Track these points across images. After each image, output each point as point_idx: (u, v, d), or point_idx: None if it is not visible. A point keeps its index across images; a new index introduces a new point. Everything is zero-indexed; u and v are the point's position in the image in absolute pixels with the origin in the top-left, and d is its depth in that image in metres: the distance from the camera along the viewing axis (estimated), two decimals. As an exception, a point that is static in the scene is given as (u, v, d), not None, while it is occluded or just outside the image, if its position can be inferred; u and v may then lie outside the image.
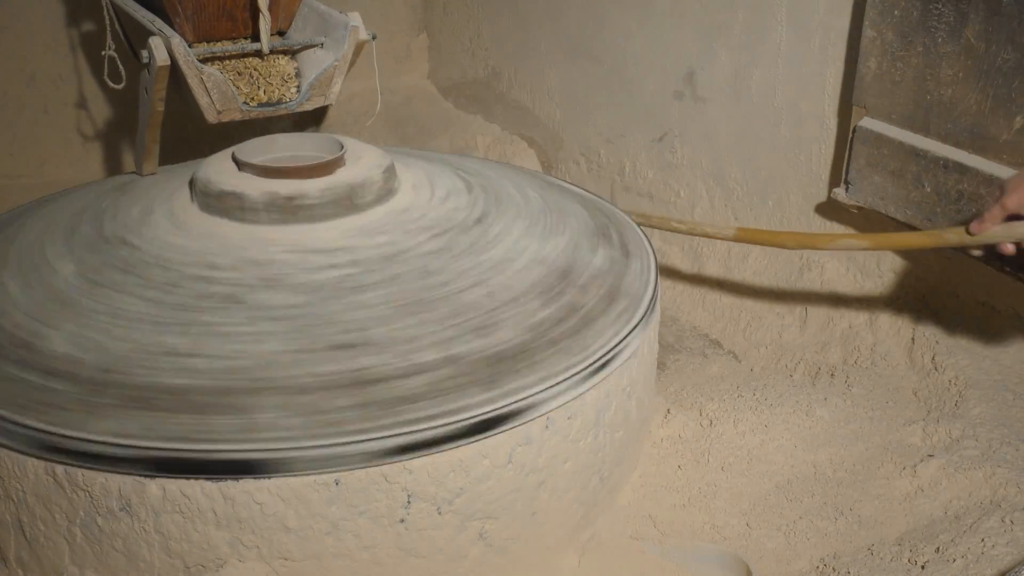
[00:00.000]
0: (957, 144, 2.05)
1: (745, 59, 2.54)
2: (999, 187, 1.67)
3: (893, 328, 2.29)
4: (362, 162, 1.98)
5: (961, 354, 2.12)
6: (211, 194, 1.89)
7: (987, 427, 1.87)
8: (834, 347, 2.35)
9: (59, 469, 1.44)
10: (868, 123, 2.21)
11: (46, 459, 1.45)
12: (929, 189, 2.09)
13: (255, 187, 1.87)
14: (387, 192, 1.98)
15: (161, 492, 1.42)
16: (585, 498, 1.70)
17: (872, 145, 2.19)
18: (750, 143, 2.60)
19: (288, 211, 1.86)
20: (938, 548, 1.57)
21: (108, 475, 1.43)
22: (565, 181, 2.54)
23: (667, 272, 2.79)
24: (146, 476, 1.42)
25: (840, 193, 2.31)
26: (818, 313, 2.44)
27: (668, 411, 1.99)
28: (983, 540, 1.57)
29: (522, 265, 1.86)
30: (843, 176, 2.30)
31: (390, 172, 1.99)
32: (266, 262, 1.78)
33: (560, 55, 3.16)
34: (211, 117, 2.19)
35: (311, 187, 1.87)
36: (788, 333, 2.47)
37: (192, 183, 1.97)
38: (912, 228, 2.17)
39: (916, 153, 2.10)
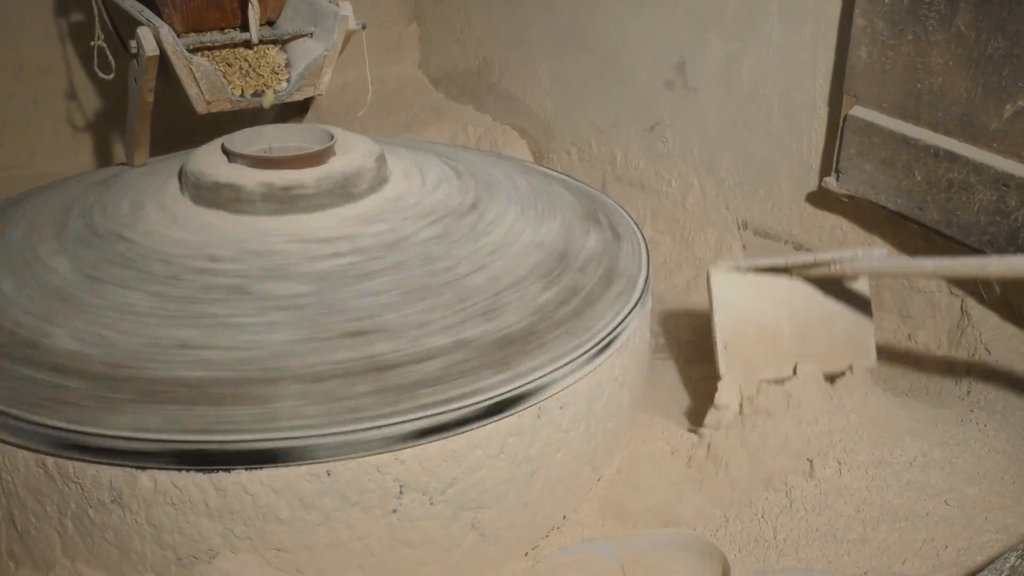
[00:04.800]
0: (947, 132, 2.05)
1: (736, 48, 2.53)
2: None
3: (892, 328, 2.30)
4: (353, 151, 1.97)
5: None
6: (204, 186, 1.88)
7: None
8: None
9: (49, 461, 1.43)
10: (859, 112, 2.21)
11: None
12: (920, 177, 2.09)
13: (249, 178, 1.86)
14: (380, 181, 1.97)
15: (152, 484, 1.42)
16: (577, 487, 1.71)
17: (863, 134, 2.19)
18: (741, 132, 2.60)
19: (285, 201, 1.85)
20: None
21: (99, 467, 1.42)
22: (551, 169, 2.53)
23: (659, 261, 2.79)
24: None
25: (831, 182, 2.31)
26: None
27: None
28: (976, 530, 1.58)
29: (520, 249, 1.89)
30: (834, 165, 2.30)
31: (381, 161, 1.99)
32: (267, 252, 1.77)
33: (551, 45, 3.15)
34: (201, 108, 2.18)
35: (306, 176, 1.86)
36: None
37: (182, 175, 1.96)
38: (903, 217, 2.17)
39: (907, 141, 2.10)
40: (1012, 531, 1.56)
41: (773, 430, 1.82)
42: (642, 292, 1.85)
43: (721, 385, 1.94)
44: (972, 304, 2.14)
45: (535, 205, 2.07)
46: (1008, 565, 1.11)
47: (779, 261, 2.04)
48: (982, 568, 1.14)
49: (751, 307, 2.01)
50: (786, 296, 2.02)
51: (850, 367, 1.99)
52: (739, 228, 2.68)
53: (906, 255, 2.27)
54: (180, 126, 3.01)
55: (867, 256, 1.95)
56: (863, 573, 1.50)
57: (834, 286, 2.04)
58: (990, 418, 1.87)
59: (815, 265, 1.99)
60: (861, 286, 2.05)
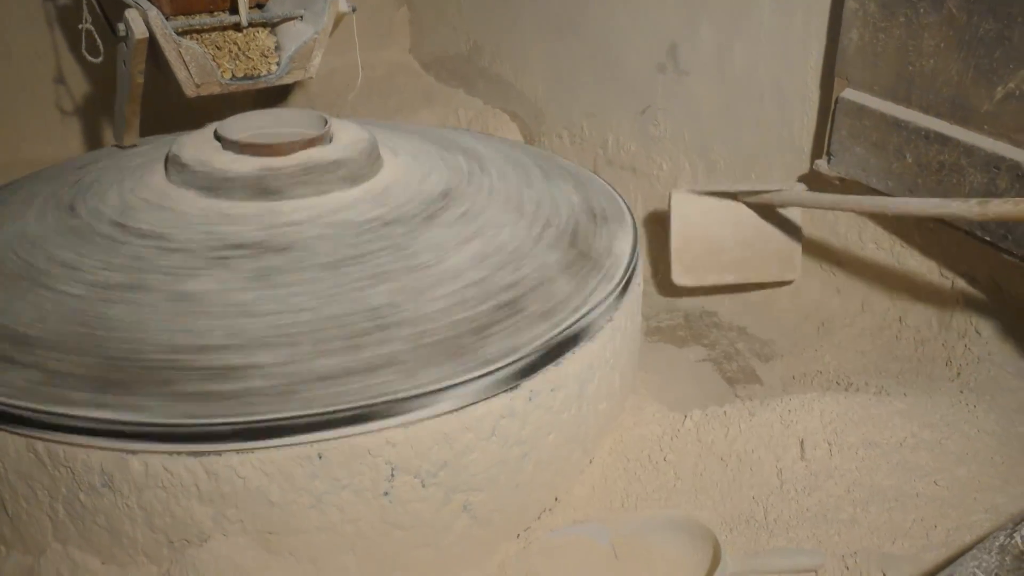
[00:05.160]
0: (939, 115, 2.05)
1: (728, 32, 2.53)
2: None
3: (882, 310, 2.30)
4: (348, 134, 1.97)
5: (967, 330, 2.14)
6: (210, 175, 1.87)
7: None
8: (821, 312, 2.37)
9: (39, 446, 1.43)
10: (850, 94, 2.20)
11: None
12: (911, 160, 2.09)
13: (250, 165, 1.86)
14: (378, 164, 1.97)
15: (143, 468, 1.41)
16: (569, 469, 1.71)
17: (854, 116, 2.19)
18: (733, 115, 2.59)
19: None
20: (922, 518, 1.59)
21: (90, 451, 1.42)
22: (542, 150, 2.53)
23: (649, 243, 2.79)
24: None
25: (822, 165, 2.31)
26: (804, 283, 2.46)
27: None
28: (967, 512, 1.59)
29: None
30: (825, 148, 2.30)
31: (373, 147, 1.99)
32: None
33: (543, 29, 3.13)
34: (190, 91, 2.17)
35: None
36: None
37: (172, 161, 1.94)
38: (894, 199, 2.18)
39: (898, 124, 2.10)
40: (1001, 511, 1.57)
41: (763, 413, 1.83)
42: (631, 274, 1.85)
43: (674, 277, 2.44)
44: (962, 285, 2.15)
45: (537, 181, 2.07)
46: (997, 544, 1.11)
47: (729, 187, 2.44)
48: (971, 547, 1.14)
49: (702, 223, 2.42)
50: (732, 217, 2.42)
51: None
52: (730, 212, 2.68)
53: (899, 237, 2.28)
54: (169, 109, 3.00)
55: (791, 189, 2.31)
56: (853, 553, 1.51)
57: (771, 213, 2.42)
58: (980, 399, 1.87)
59: (756, 193, 2.35)
60: (793, 215, 2.43)
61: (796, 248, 2.46)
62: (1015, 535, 1.12)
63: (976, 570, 1.08)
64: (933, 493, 1.63)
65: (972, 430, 1.77)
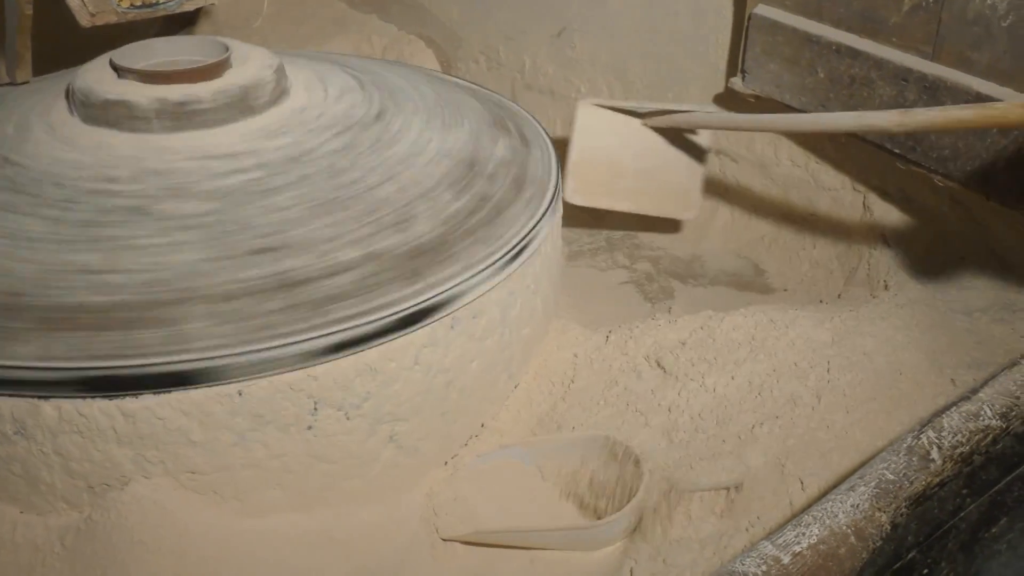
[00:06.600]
0: (849, 29, 2.06)
1: (642, -52, 2.49)
2: None
3: (798, 223, 2.33)
4: (251, 63, 1.90)
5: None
6: (95, 104, 1.79)
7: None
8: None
9: (-56, 396, 1.38)
10: (763, 10, 2.20)
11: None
12: (823, 75, 2.11)
13: (142, 94, 1.77)
14: (280, 93, 1.91)
15: (57, 413, 1.38)
16: (494, 396, 1.72)
17: (767, 32, 2.19)
18: (649, 34, 2.57)
19: (181, 117, 1.78)
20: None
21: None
22: (457, 78, 2.49)
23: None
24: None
25: (737, 82, 2.32)
26: (724, 202, 2.48)
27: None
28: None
29: (429, 158, 1.85)
30: (740, 65, 2.30)
31: (280, 72, 1.92)
32: (166, 171, 1.70)
33: (455, -52, 3.06)
34: (84, 20, 2.06)
35: (202, 90, 1.79)
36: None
37: (71, 93, 1.86)
38: (807, 115, 2.20)
39: (810, 39, 2.11)
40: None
41: (686, 329, 1.85)
42: (552, 199, 1.85)
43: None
44: (874, 198, 2.19)
45: (441, 114, 2.03)
46: (904, 446, 1.15)
47: (637, 106, 2.27)
48: (881, 451, 1.19)
49: (605, 142, 2.26)
50: (636, 139, 2.27)
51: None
52: (649, 132, 2.68)
53: (813, 153, 2.31)
54: (69, 42, 2.86)
55: (701, 110, 2.19)
56: (774, 463, 1.55)
57: (679, 139, 2.29)
58: (892, 311, 1.93)
59: (661, 113, 2.21)
60: (703, 142, 2.31)
61: (697, 184, 2.34)
62: (921, 437, 1.16)
63: (885, 471, 1.12)
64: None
65: (884, 342, 1.82)
